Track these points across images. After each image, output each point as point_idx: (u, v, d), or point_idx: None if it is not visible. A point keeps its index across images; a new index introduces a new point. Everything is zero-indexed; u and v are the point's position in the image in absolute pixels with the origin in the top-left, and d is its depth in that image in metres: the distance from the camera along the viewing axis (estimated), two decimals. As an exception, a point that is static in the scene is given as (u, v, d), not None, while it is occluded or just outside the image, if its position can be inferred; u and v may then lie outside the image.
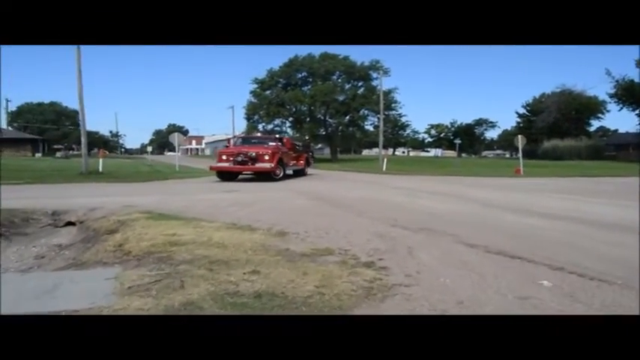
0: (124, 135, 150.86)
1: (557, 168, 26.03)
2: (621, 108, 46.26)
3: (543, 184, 14.63)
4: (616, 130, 66.34)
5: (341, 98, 40.96)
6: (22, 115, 65.52)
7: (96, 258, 3.83)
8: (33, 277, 3.30)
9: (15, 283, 3.17)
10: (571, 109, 54.98)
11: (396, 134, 79.43)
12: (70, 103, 78.37)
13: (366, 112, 42.03)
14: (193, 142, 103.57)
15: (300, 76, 42.44)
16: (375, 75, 41.25)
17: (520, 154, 21.35)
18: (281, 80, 42.19)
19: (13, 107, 64.32)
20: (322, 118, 42.53)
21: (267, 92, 41.97)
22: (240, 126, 58.25)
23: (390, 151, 77.63)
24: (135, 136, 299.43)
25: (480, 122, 77.83)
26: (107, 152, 59.66)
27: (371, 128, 45.58)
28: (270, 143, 15.85)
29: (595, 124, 61.31)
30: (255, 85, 42.29)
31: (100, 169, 17.36)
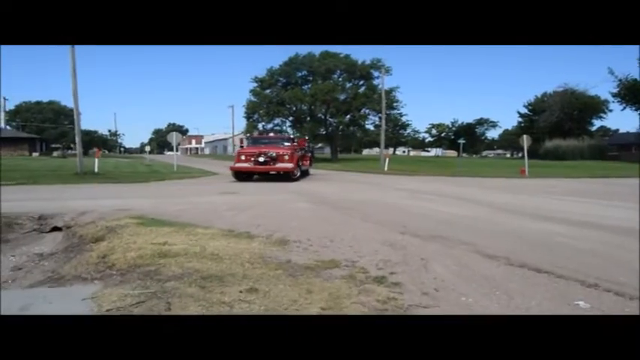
0: (123, 134, 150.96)
1: (562, 168, 25.56)
2: (624, 107, 45.73)
3: (552, 185, 14.21)
4: (617, 130, 65.90)
5: (342, 97, 40.31)
6: (20, 114, 64.91)
7: (75, 272, 3.44)
8: (4, 295, 2.93)
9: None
10: (573, 109, 54.27)
11: (396, 134, 78.92)
12: (69, 102, 77.66)
13: (367, 111, 41.46)
14: (193, 141, 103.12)
15: (300, 74, 41.80)
16: (376, 74, 40.65)
17: (525, 155, 20.90)
18: (281, 79, 41.57)
19: (11, 106, 64.02)
20: (323, 117, 41.93)
21: (267, 91, 41.35)
22: (240, 125, 57.62)
23: (391, 150, 77.05)
24: (134, 136, 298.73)
25: (481, 122, 77.08)
26: (106, 151, 59.40)
27: (372, 127, 45.08)
28: (286, 143, 15.52)
29: (596, 124, 60.83)
30: (255, 84, 41.68)
31: (96, 170, 16.97)
